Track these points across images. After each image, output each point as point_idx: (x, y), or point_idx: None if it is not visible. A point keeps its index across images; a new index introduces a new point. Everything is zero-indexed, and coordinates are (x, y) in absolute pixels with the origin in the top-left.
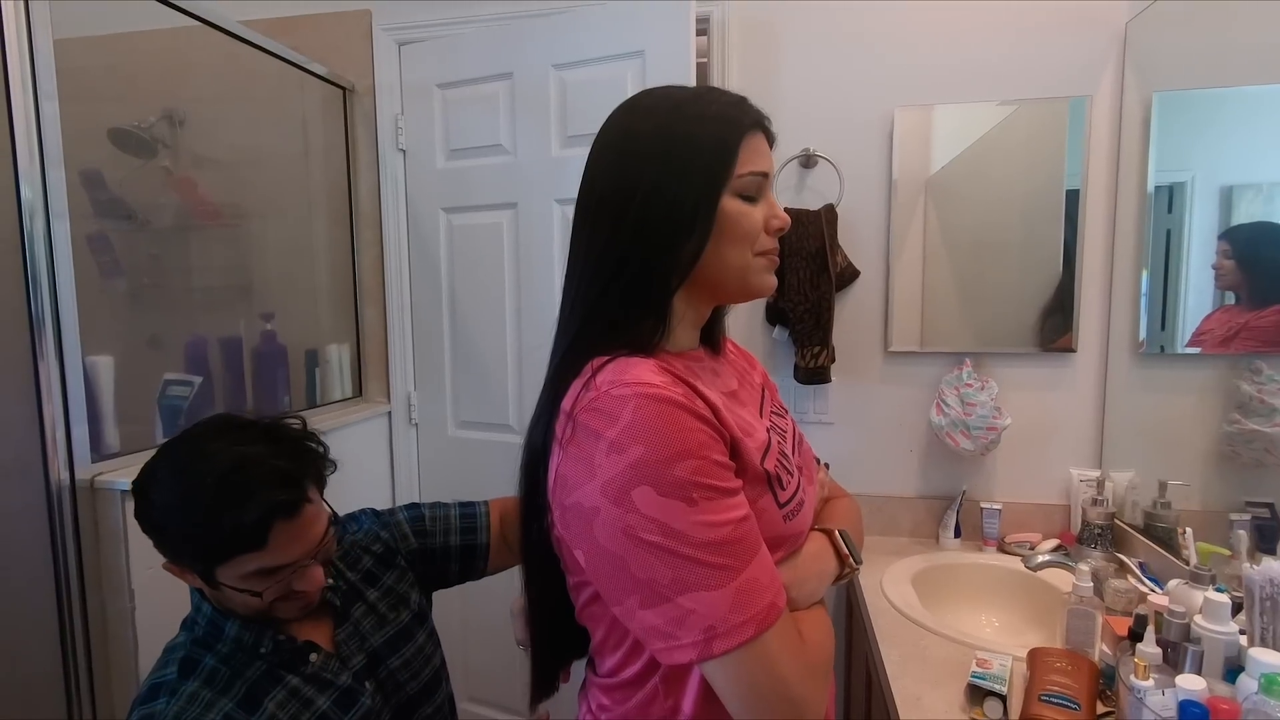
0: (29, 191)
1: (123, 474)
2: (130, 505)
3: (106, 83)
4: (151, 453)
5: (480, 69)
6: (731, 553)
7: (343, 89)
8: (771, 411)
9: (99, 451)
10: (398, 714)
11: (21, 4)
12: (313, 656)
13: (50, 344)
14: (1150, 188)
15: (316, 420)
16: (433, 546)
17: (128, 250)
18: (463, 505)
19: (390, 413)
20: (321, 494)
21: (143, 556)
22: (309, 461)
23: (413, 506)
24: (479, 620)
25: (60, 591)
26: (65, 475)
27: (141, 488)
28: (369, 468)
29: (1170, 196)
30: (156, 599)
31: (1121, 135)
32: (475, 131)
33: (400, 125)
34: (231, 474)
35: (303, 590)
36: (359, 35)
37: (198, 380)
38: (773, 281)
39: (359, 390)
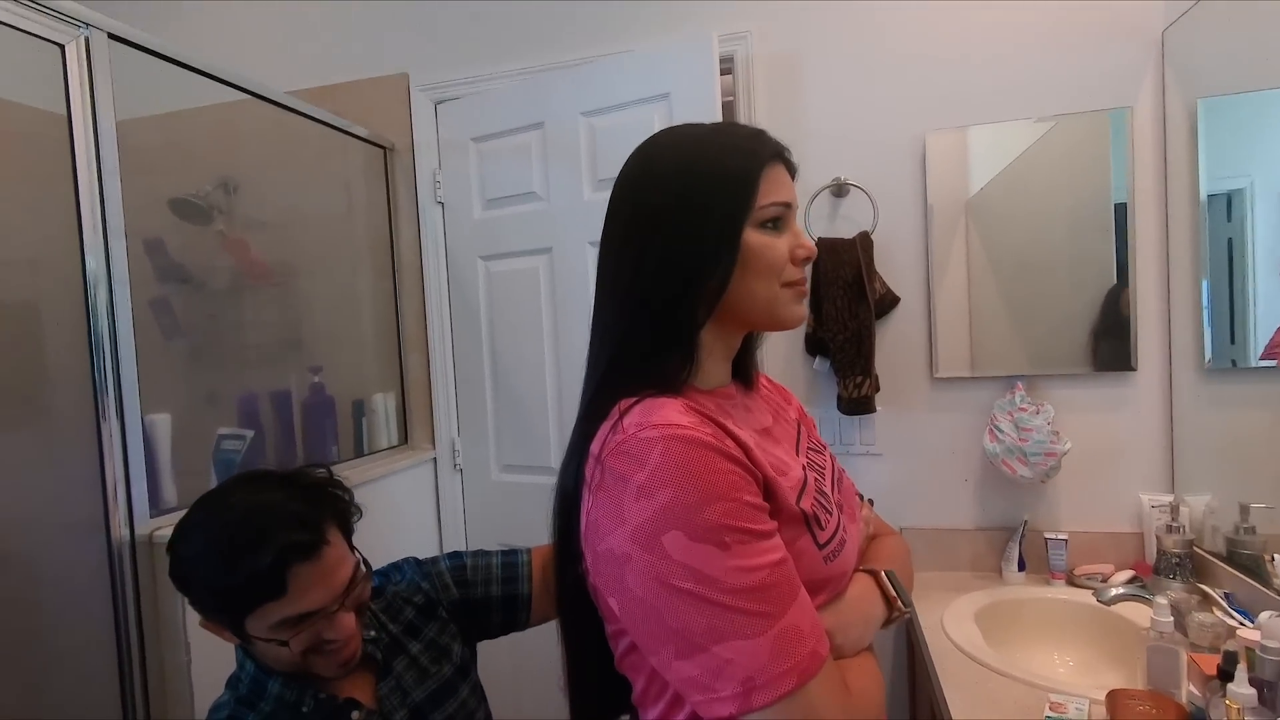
0: (94, 261)
1: None
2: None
3: (166, 156)
4: None
5: (512, 121)
6: (769, 598)
7: (383, 148)
8: (809, 448)
9: (157, 506)
10: None
11: (88, 89)
12: (355, 715)
13: (112, 406)
14: (1203, 196)
15: (365, 469)
16: (474, 597)
17: (186, 311)
18: (505, 554)
19: (435, 459)
20: (348, 540)
21: None
22: (328, 505)
23: (455, 555)
24: (530, 669)
25: (120, 645)
26: (125, 531)
27: (172, 545)
28: (415, 513)
29: (1229, 203)
30: (212, 653)
31: (1167, 144)
32: (510, 181)
33: (438, 180)
34: (246, 520)
35: (334, 639)
36: (397, 97)
37: (250, 434)
38: (802, 312)
39: (405, 438)
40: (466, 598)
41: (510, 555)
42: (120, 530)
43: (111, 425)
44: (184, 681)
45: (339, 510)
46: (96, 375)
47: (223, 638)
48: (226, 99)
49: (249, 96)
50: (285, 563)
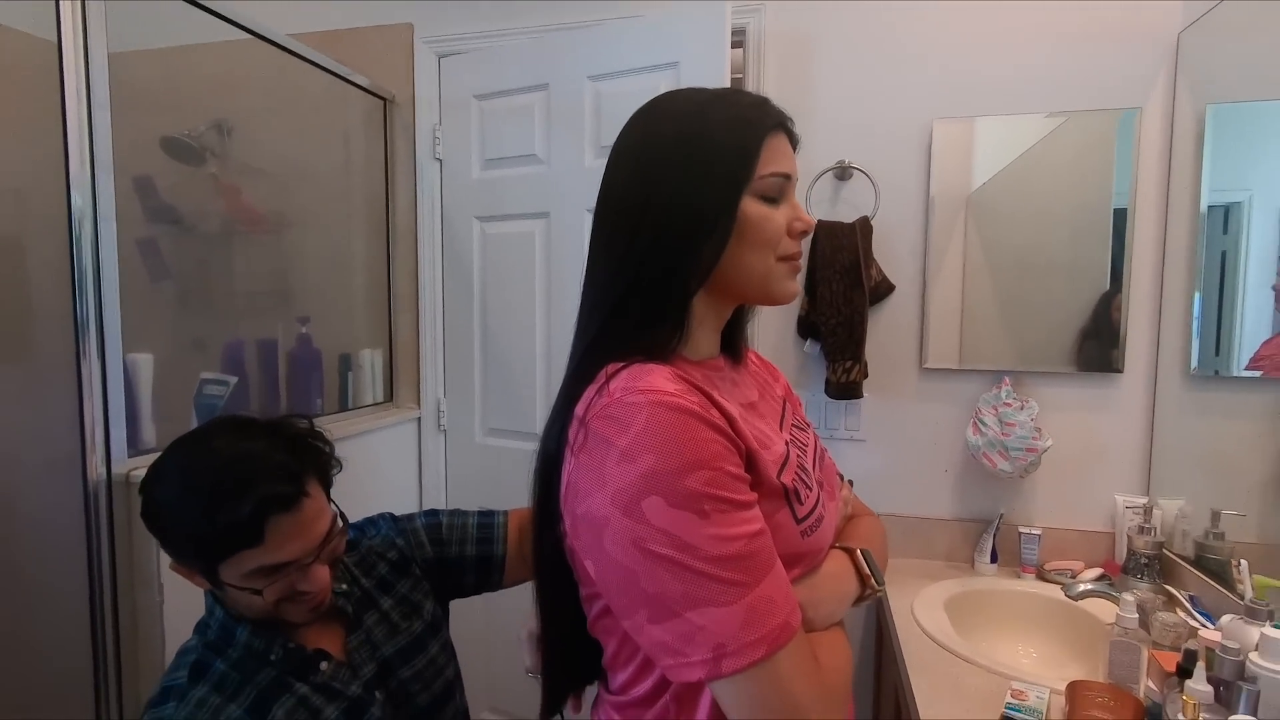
0: (79, 197)
1: None
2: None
3: (161, 93)
4: None
5: (517, 80)
6: (744, 568)
7: (383, 100)
8: (792, 425)
9: (136, 447)
10: None
11: (80, 17)
12: (323, 665)
13: (94, 344)
14: (1204, 207)
15: (348, 423)
16: (448, 556)
17: (174, 254)
18: (482, 514)
19: (420, 418)
20: (327, 493)
21: None
22: (310, 458)
23: (431, 513)
24: (502, 630)
25: (93, 584)
26: (103, 470)
27: (146, 486)
28: (397, 472)
29: (1226, 217)
30: (184, 594)
31: (1173, 150)
32: (510, 142)
33: (438, 135)
34: (229, 468)
35: (307, 590)
36: (400, 48)
37: (233, 380)
38: (795, 288)
39: (390, 395)
40: (441, 556)
41: (487, 516)
42: (97, 469)
43: (92, 363)
44: (156, 622)
45: (320, 463)
46: (78, 312)
47: (194, 582)
48: (225, 38)
49: (249, 36)
50: (265, 513)
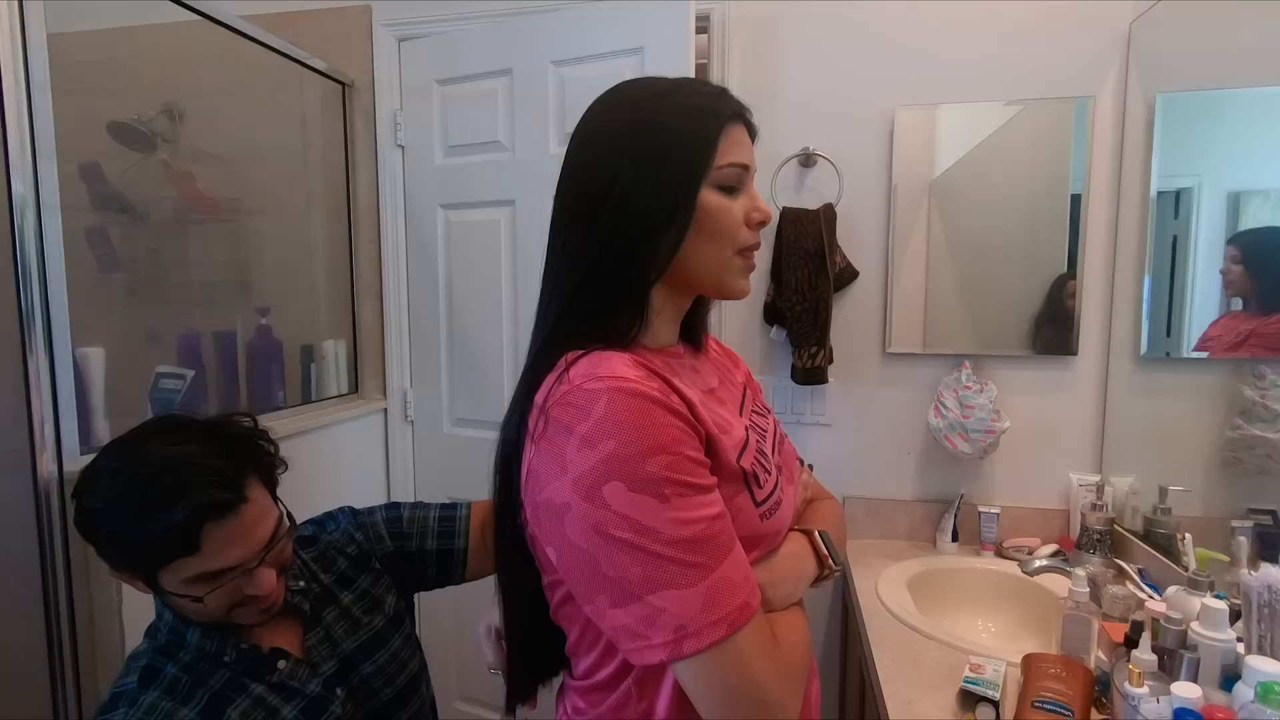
0: (20, 184)
1: None
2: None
3: (107, 76)
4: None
5: (480, 65)
6: (704, 550)
7: (342, 85)
8: (752, 411)
9: (89, 444)
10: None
11: None
12: (280, 664)
13: (40, 337)
14: (1154, 192)
15: (313, 416)
16: (408, 550)
17: (125, 243)
18: (443, 508)
19: (386, 409)
20: (273, 493)
21: None
22: (249, 460)
23: (392, 506)
24: (473, 619)
25: (46, 583)
26: (54, 467)
27: (78, 493)
28: (364, 463)
29: (1176, 202)
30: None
31: (1125, 138)
32: (474, 128)
33: (399, 121)
34: (160, 475)
35: (254, 595)
36: (359, 31)
37: (191, 373)
38: (747, 286)
39: (355, 387)
40: (401, 550)
41: (449, 509)
42: (48, 466)
43: (39, 358)
44: (114, 621)
45: (263, 464)
46: (23, 305)
47: (135, 588)
48: (176, 18)
49: (199, 18)
50: (199, 520)
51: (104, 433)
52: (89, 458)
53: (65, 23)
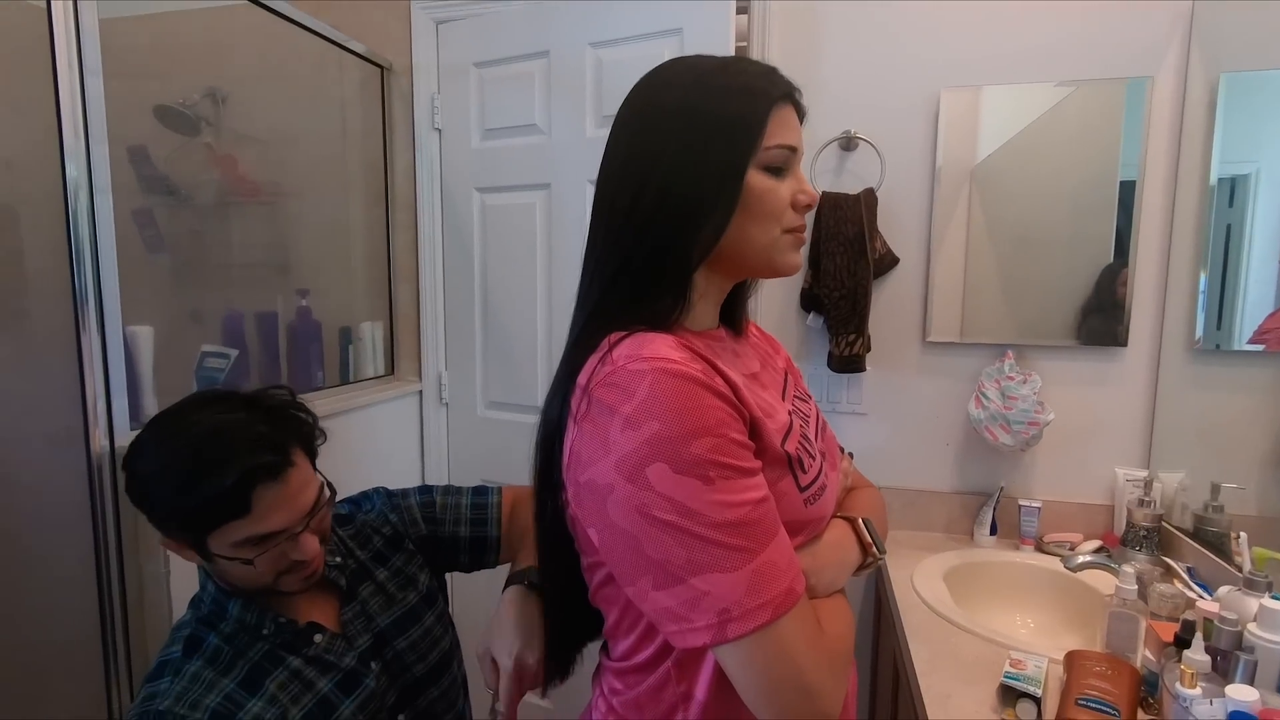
0: (74, 168)
1: None
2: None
3: (153, 60)
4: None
5: (517, 47)
6: (748, 534)
7: (380, 68)
8: (795, 396)
9: (138, 419)
10: (403, 696)
11: None
12: (317, 638)
13: (93, 317)
14: (1213, 179)
15: (350, 396)
16: (441, 535)
17: (170, 225)
18: (475, 494)
19: (421, 391)
20: (313, 463)
21: None
22: (293, 428)
23: (425, 490)
24: None
25: (99, 555)
26: (105, 443)
27: (129, 462)
28: (399, 445)
29: (1232, 189)
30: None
31: (1184, 121)
32: (510, 111)
33: (436, 104)
34: (210, 439)
35: (299, 560)
36: (397, 14)
37: (234, 353)
38: (798, 260)
39: (391, 368)
40: (434, 534)
41: (480, 496)
42: (100, 442)
43: (92, 336)
44: (162, 591)
45: (303, 433)
46: (77, 285)
47: (183, 556)
48: (217, 3)
49: (241, 1)
50: (250, 483)
51: (153, 409)
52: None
53: (113, 8)
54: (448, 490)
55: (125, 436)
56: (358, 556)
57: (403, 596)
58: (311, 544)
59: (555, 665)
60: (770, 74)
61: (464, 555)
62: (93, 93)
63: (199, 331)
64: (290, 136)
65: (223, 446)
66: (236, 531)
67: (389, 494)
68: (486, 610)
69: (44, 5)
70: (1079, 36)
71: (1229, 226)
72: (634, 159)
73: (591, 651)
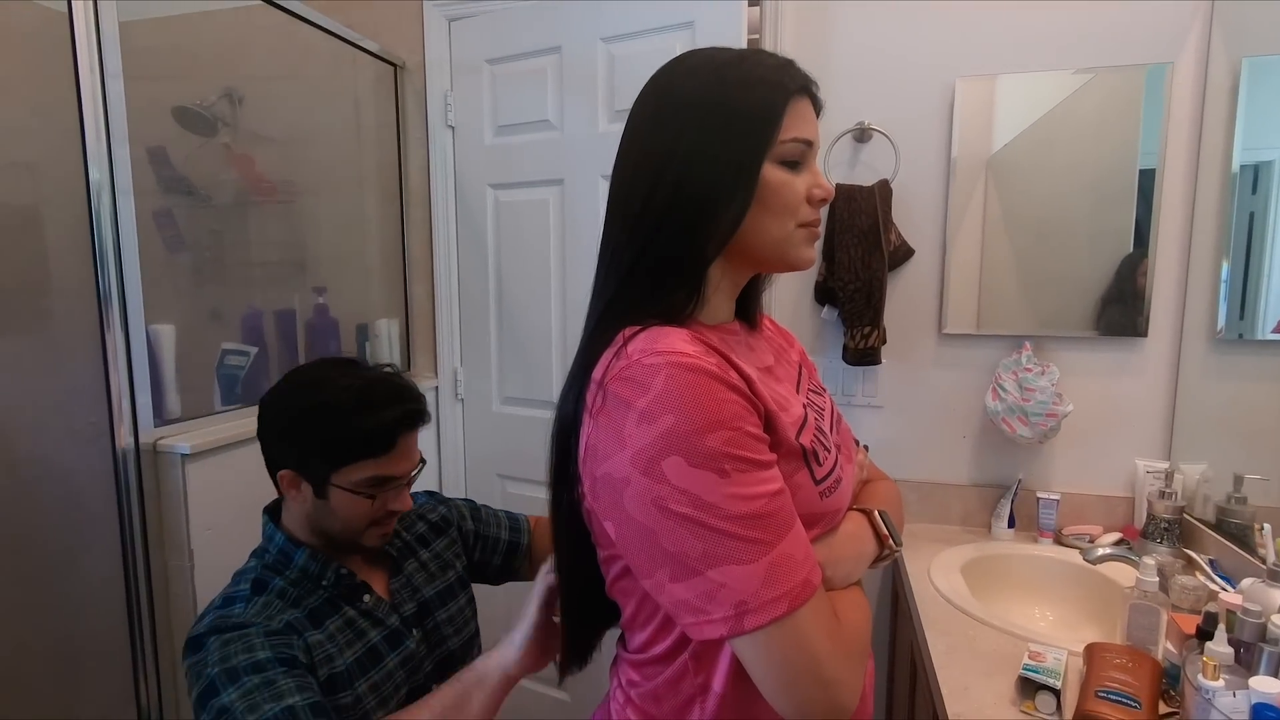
0: (96, 170)
1: (183, 438)
2: (190, 467)
3: (170, 62)
4: (212, 418)
5: (529, 43)
6: (765, 526)
7: (394, 66)
8: (809, 389)
9: (161, 417)
10: (438, 666)
11: None
12: (365, 598)
13: (116, 316)
14: (1235, 167)
15: None
16: (486, 534)
17: (190, 225)
18: (508, 512)
19: (437, 387)
20: None
21: (201, 517)
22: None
23: (468, 500)
24: (520, 589)
25: (125, 549)
26: (130, 440)
27: (273, 403)
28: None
29: (1255, 177)
30: (212, 558)
31: (1205, 107)
32: (523, 107)
33: (449, 101)
34: (380, 383)
35: (396, 510)
36: (410, 12)
37: (254, 350)
38: (813, 255)
39: (408, 364)
40: (480, 532)
41: (512, 514)
42: (125, 438)
43: (116, 335)
44: (186, 584)
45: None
46: (100, 284)
47: (289, 494)
48: (232, 4)
49: (256, 2)
50: (403, 424)
51: (176, 406)
52: (164, 430)
53: (132, 10)
54: (484, 505)
55: (150, 433)
56: (403, 536)
57: (442, 575)
58: (408, 498)
59: (573, 655)
60: (787, 67)
61: (499, 556)
62: (114, 95)
63: (219, 329)
64: (306, 136)
65: (391, 391)
66: (368, 469)
67: (432, 493)
68: (504, 605)
69: (65, 8)
70: (1097, 22)
71: (1251, 214)
72: (650, 152)
73: (609, 643)
